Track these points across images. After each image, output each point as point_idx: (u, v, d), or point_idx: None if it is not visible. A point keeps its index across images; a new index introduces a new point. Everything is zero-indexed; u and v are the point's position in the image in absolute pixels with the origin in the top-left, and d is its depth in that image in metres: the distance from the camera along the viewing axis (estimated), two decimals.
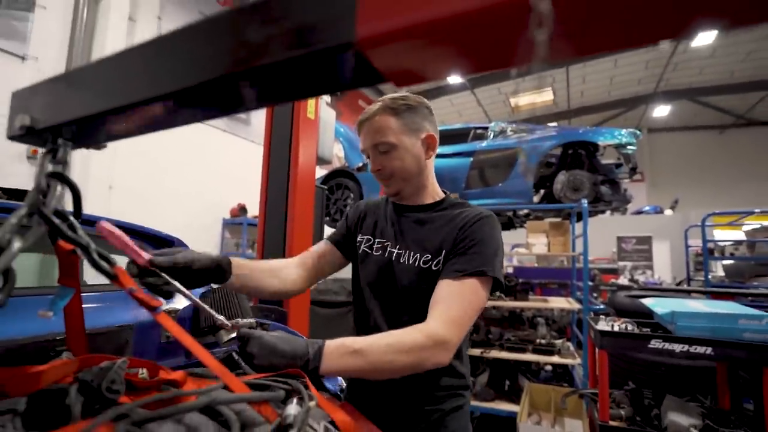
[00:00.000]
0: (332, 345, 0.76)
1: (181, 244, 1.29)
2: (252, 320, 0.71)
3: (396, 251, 1.04)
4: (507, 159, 4.10)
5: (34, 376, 0.44)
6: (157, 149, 4.93)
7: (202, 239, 5.88)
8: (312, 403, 0.50)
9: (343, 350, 0.76)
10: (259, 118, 6.68)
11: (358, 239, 1.14)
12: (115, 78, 0.40)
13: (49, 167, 0.43)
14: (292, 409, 0.47)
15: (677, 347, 1.79)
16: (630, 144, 3.80)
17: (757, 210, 4.76)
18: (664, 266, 8.37)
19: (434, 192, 1.09)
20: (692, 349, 1.76)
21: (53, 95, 0.43)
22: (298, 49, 0.26)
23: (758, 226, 4.65)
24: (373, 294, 1.07)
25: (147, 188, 4.89)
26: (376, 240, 1.10)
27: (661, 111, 12.46)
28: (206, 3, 6.03)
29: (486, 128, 4.54)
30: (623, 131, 3.91)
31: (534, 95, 11.30)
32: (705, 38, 8.62)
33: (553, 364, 3.79)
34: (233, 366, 0.74)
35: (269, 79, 0.30)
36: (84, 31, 4.23)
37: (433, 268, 0.97)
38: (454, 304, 0.87)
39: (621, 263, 8.07)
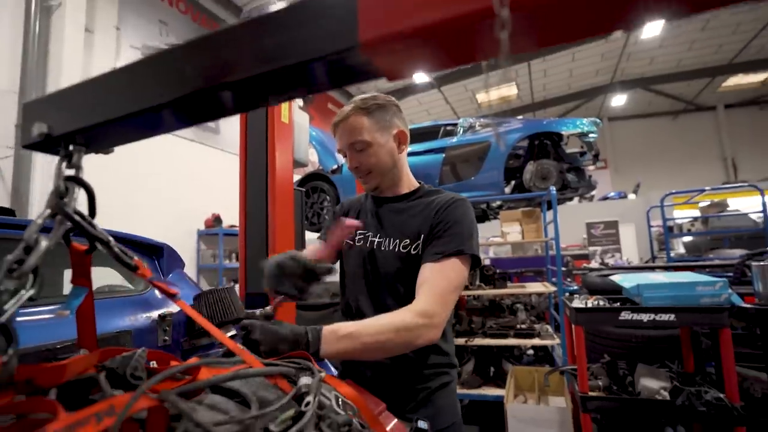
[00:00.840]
0: (328, 329, 0.81)
1: (171, 251, 1.30)
2: (269, 308, 0.75)
3: (377, 240, 1.10)
4: (477, 153, 4.23)
5: (61, 367, 0.46)
6: (126, 163, 4.78)
7: (178, 252, 5.73)
8: (322, 374, 0.55)
9: (339, 334, 0.81)
10: (228, 127, 6.58)
11: None
12: (129, 86, 0.43)
13: (66, 172, 0.47)
14: (306, 379, 0.52)
15: (645, 317, 1.93)
16: (591, 132, 4.01)
17: (707, 188, 5.14)
18: (631, 248, 8.79)
19: (409, 183, 1.16)
20: (658, 317, 1.90)
21: (68, 105, 0.46)
22: (311, 52, 0.31)
23: (709, 202, 5.00)
24: (357, 283, 1.12)
25: (117, 203, 4.73)
26: (358, 232, 1.16)
27: (619, 100, 13.10)
28: (166, 12, 5.88)
29: (455, 125, 4.67)
30: (584, 120, 4.11)
31: (499, 90, 11.64)
32: (653, 29, 9.14)
33: (534, 348, 3.95)
34: None
35: (283, 80, 0.35)
36: (38, 43, 4.07)
37: (412, 252, 1.03)
38: (437, 284, 0.93)
39: (591, 248, 8.42)
